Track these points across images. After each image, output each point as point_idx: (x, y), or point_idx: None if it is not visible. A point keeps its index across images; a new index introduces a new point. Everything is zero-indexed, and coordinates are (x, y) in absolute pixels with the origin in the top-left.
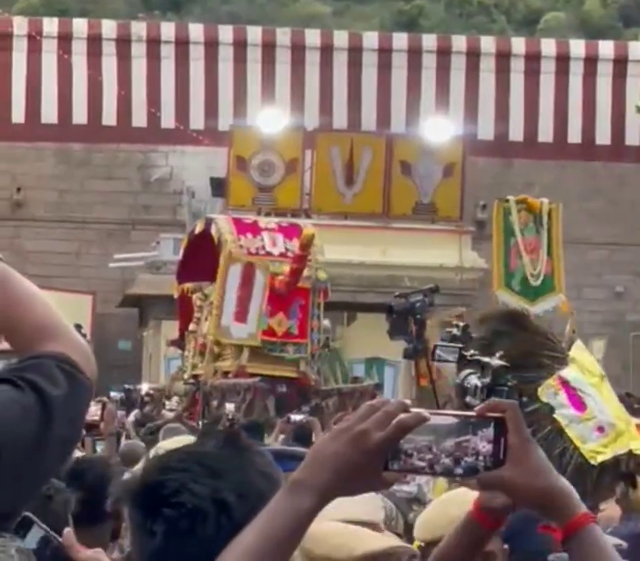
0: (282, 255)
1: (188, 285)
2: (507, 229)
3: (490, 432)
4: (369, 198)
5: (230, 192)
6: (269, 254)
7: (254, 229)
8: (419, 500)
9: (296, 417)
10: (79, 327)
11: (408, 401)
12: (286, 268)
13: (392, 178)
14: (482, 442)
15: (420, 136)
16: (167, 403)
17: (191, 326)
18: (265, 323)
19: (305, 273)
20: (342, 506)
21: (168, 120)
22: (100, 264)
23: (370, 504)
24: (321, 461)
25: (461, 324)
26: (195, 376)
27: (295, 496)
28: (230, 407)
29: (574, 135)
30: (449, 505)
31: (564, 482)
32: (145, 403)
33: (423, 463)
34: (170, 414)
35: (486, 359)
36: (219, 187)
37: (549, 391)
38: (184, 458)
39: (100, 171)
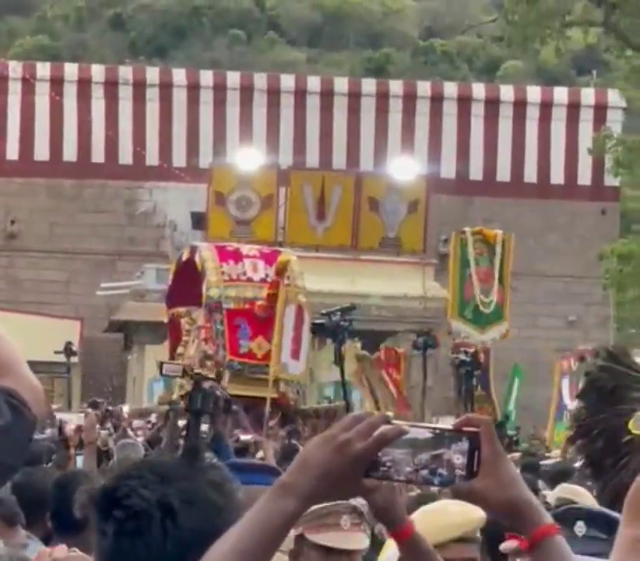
0: (262, 280)
1: (180, 310)
2: (463, 260)
3: (464, 445)
4: (339, 232)
5: (209, 226)
6: (250, 280)
7: (237, 256)
8: None
9: (245, 437)
10: (70, 344)
11: (390, 414)
12: (265, 293)
13: (361, 214)
14: (456, 455)
15: (386, 175)
16: (134, 422)
17: (179, 349)
18: (246, 347)
19: (284, 296)
20: None
21: (152, 158)
22: (88, 292)
23: None
24: (307, 467)
25: (470, 350)
26: (182, 397)
27: (281, 499)
28: (181, 424)
29: (531, 175)
30: (441, 515)
31: (531, 495)
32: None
33: (400, 474)
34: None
35: None
36: (199, 221)
37: (638, 423)
38: (140, 466)
39: (89, 205)
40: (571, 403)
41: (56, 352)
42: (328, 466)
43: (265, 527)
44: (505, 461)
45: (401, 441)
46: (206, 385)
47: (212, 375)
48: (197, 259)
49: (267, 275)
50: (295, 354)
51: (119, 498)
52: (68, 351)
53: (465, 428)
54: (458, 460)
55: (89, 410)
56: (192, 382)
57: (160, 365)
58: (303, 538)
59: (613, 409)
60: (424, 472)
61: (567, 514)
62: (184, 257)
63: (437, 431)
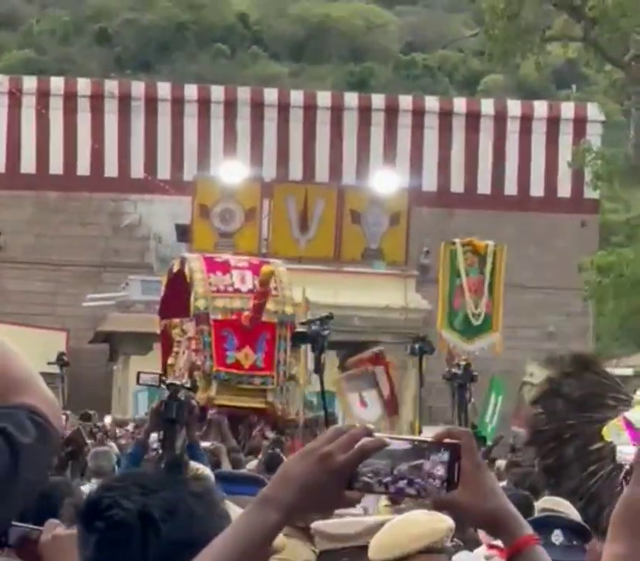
0: (250, 291)
1: (173, 321)
2: (452, 270)
3: (444, 456)
4: (321, 244)
5: (193, 238)
6: (237, 291)
7: (225, 267)
8: None
9: (204, 444)
10: (62, 355)
11: (372, 426)
12: (250, 304)
13: (343, 226)
14: (436, 466)
15: (368, 188)
16: (117, 430)
17: (170, 360)
18: (233, 357)
19: (273, 307)
20: None
21: (137, 171)
22: (73, 303)
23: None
24: (289, 479)
25: (463, 363)
26: None
27: (263, 510)
28: (153, 436)
29: (511, 188)
30: (407, 525)
31: (511, 506)
32: (94, 434)
33: (380, 485)
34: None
35: None
36: (183, 233)
37: (613, 431)
38: (124, 478)
39: (75, 218)
40: None
41: (49, 363)
42: (310, 478)
43: (247, 539)
44: (485, 473)
45: (381, 452)
46: (181, 394)
47: (188, 385)
48: (186, 270)
49: (255, 286)
50: (363, 404)
51: (102, 509)
52: (60, 361)
53: (445, 440)
54: (439, 471)
55: (67, 412)
56: (168, 392)
57: (137, 375)
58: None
59: (583, 416)
60: (403, 483)
61: (545, 522)
62: (175, 268)
63: (417, 442)
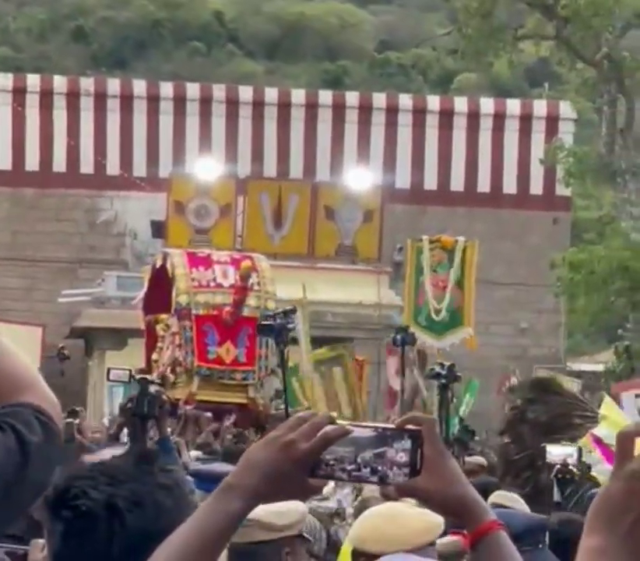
0: (232, 286)
1: (158, 316)
2: (418, 267)
3: (407, 444)
4: (295, 240)
5: (168, 234)
6: (219, 286)
7: (207, 262)
8: (339, 515)
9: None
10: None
11: (334, 414)
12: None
13: (317, 222)
14: (399, 453)
15: (342, 184)
16: (92, 424)
17: (154, 356)
18: (214, 353)
19: (254, 303)
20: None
21: (113, 167)
22: (49, 299)
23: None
24: (252, 467)
25: (446, 363)
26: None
27: (226, 499)
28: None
29: (483, 185)
30: (407, 519)
31: (474, 492)
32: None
33: (343, 472)
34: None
35: None
36: (159, 229)
37: (584, 450)
38: (93, 468)
39: (50, 214)
40: None
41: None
42: (273, 466)
43: (210, 528)
44: (448, 459)
45: (345, 440)
46: (152, 389)
47: (158, 380)
48: (168, 265)
49: (237, 281)
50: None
51: (69, 498)
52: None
53: (407, 427)
54: (402, 458)
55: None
56: (138, 387)
57: (108, 371)
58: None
59: (552, 438)
60: (367, 470)
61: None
62: (158, 264)
63: (380, 430)
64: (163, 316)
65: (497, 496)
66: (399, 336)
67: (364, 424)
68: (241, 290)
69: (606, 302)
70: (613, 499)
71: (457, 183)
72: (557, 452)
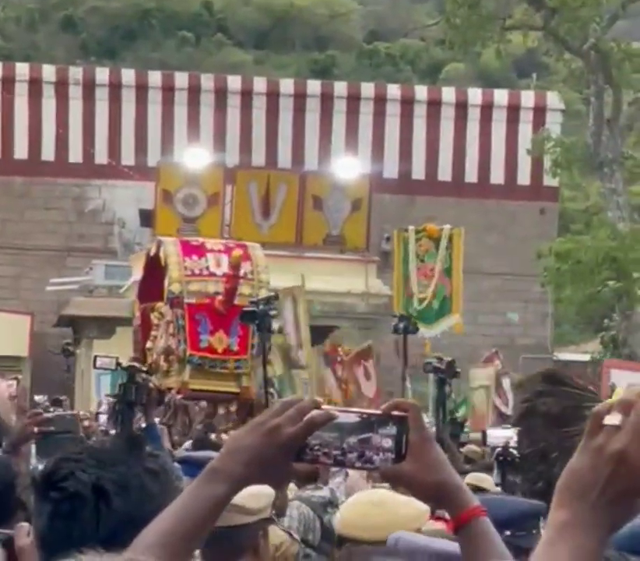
0: (224, 275)
1: (152, 304)
2: (405, 258)
3: (392, 429)
4: (283, 229)
5: (157, 223)
6: (212, 275)
7: (200, 251)
8: (332, 503)
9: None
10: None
11: (320, 399)
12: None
13: (305, 212)
14: (384, 439)
15: (330, 174)
16: (81, 412)
17: (149, 344)
18: (206, 341)
19: (247, 291)
20: None
21: (102, 156)
22: (37, 287)
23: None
24: (236, 452)
25: (446, 359)
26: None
27: (210, 483)
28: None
29: (471, 175)
30: (396, 506)
31: (459, 478)
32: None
33: (329, 457)
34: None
35: None
36: (147, 218)
37: None
38: (81, 451)
39: (39, 203)
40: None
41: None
42: (258, 450)
43: (194, 512)
44: (433, 445)
45: (330, 425)
46: (139, 377)
47: (145, 368)
48: (161, 253)
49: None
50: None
51: (57, 480)
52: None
53: (393, 413)
54: (387, 443)
55: (19, 376)
56: (126, 375)
57: (94, 358)
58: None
59: (562, 431)
60: (352, 455)
61: None
62: (152, 252)
63: (365, 415)
64: (159, 304)
65: (469, 476)
66: (401, 325)
67: (350, 409)
68: (232, 279)
69: (593, 292)
70: (579, 474)
71: (445, 173)
72: (498, 434)
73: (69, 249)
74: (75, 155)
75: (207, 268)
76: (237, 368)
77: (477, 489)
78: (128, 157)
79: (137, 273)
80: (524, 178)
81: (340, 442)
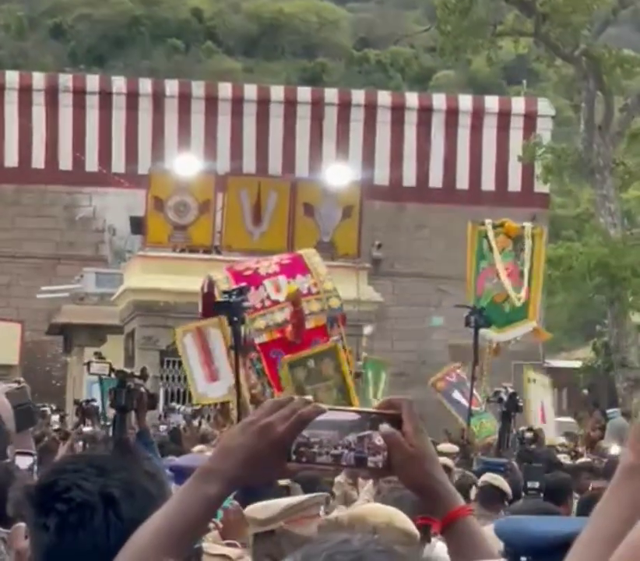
0: (288, 300)
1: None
2: (479, 252)
3: (385, 427)
4: (275, 236)
5: (148, 230)
6: (275, 303)
7: (255, 279)
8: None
9: (85, 428)
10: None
11: (309, 397)
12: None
13: (296, 219)
14: (377, 437)
15: (321, 181)
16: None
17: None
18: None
19: (316, 307)
20: None
21: (92, 164)
22: (28, 295)
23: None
24: (229, 452)
25: (510, 390)
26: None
27: (204, 483)
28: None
29: (462, 182)
30: (366, 515)
31: (445, 477)
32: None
33: (325, 456)
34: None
35: None
36: (138, 225)
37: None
38: (76, 461)
39: (30, 210)
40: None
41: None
42: (251, 450)
43: (188, 512)
44: (425, 438)
45: (328, 423)
46: (131, 382)
47: (137, 373)
48: (215, 292)
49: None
50: (212, 377)
51: (59, 491)
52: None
53: (387, 411)
54: (380, 441)
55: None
56: (117, 380)
57: (88, 364)
58: (282, 533)
59: None
60: (349, 454)
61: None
62: (205, 289)
63: (361, 414)
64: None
65: (486, 475)
66: (472, 317)
67: (343, 408)
68: (296, 314)
69: (584, 299)
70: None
71: (435, 180)
72: None
73: (60, 257)
74: (66, 162)
75: (268, 298)
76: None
77: (492, 487)
78: (118, 165)
79: (130, 280)
80: (515, 184)
81: (338, 440)
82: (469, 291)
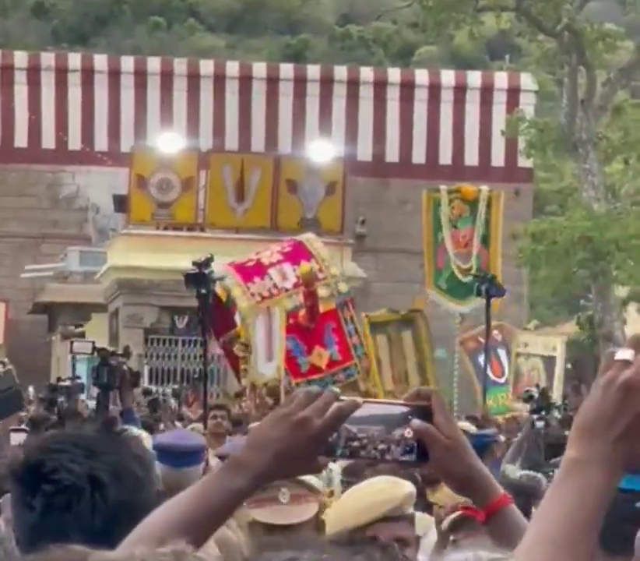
0: (295, 285)
1: (233, 334)
2: (435, 223)
3: (418, 421)
4: (258, 213)
5: (131, 208)
6: (283, 290)
7: (260, 270)
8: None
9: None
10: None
11: (337, 390)
12: (301, 298)
13: (279, 195)
14: (407, 430)
15: (304, 157)
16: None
17: (244, 381)
18: (306, 363)
19: (325, 292)
20: None
21: (75, 142)
22: (12, 274)
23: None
24: (262, 446)
25: (541, 386)
26: None
27: (231, 476)
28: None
29: (445, 157)
30: (363, 495)
31: (482, 465)
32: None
33: (373, 450)
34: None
35: None
36: (121, 203)
37: None
38: (62, 440)
39: (13, 189)
40: (498, 378)
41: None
42: (287, 444)
43: (213, 503)
44: (456, 428)
45: (374, 418)
46: (113, 360)
47: (120, 352)
48: (218, 290)
49: (298, 277)
50: (269, 357)
51: (46, 473)
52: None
53: (418, 403)
54: (409, 434)
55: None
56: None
57: (71, 343)
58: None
59: None
60: (397, 449)
61: None
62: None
63: (397, 406)
64: (234, 334)
65: (523, 472)
66: (483, 287)
67: (375, 400)
68: (309, 295)
69: (568, 273)
70: (591, 408)
71: (418, 155)
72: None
73: (44, 236)
74: (48, 141)
75: (274, 286)
76: (348, 377)
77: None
78: (101, 143)
79: (114, 259)
80: (498, 159)
81: (386, 434)
82: (429, 264)
